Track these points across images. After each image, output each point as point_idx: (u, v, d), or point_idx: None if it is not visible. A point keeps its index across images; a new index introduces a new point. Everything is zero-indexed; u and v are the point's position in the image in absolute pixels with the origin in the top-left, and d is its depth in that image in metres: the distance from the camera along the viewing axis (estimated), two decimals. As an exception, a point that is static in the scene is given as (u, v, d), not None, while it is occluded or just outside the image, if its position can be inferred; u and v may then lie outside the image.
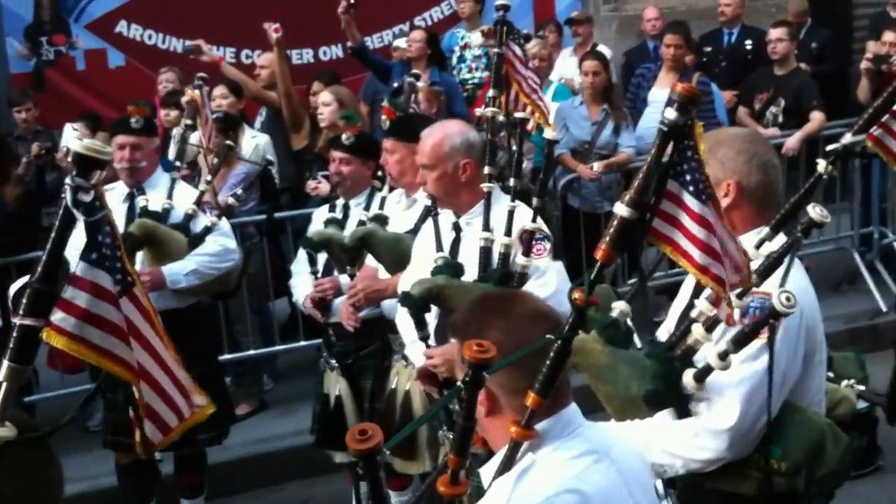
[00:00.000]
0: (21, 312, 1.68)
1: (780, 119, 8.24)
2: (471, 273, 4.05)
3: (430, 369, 4.06)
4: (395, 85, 8.19)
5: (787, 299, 2.51)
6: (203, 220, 5.32)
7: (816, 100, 8.18)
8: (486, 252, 4.03)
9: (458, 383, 2.01)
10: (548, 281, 3.94)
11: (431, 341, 4.13)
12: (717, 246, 2.37)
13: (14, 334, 1.69)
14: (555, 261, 4.07)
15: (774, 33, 8.45)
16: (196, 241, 5.26)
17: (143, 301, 1.89)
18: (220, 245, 5.33)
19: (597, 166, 7.62)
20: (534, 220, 3.98)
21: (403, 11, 10.88)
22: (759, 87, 8.44)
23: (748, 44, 9.36)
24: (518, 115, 4.23)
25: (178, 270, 5.18)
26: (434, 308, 4.06)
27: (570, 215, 7.77)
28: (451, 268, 4.06)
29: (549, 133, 4.12)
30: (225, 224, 5.46)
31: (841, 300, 8.03)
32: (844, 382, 3.30)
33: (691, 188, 2.34)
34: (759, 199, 3.02)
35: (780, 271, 2.80)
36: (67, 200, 1.67)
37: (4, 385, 1.66)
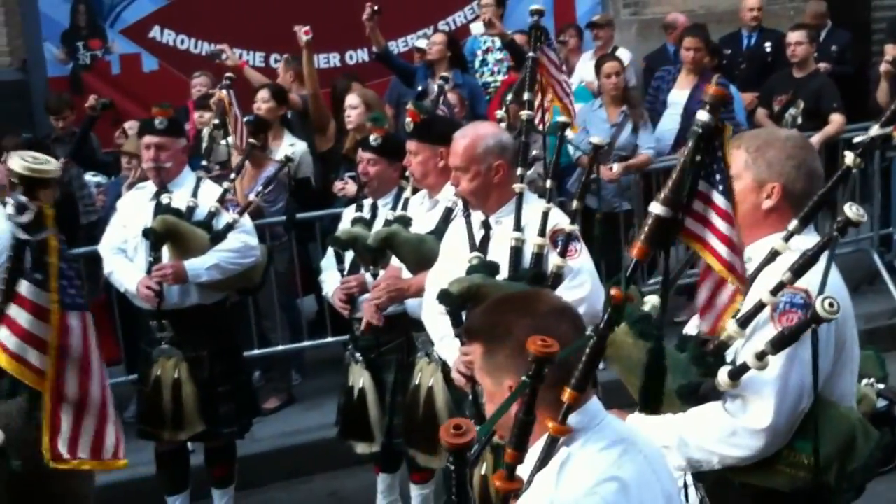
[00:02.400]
0: None
1: (800, 121, 8.17)
2: (501, 272, 4.04)
3: (465, 365, 4.03)
4: (420, 88, 8.21)
5: (831, 305, 2.48)
6: (225, 218, 5.37)
7: (836, 102, 8.11)
8: (516, 252, 4.02)
9: (523, 378, 2.01)
10: (582, 282, 3.93)
11: None
12: (739, 243, 2.38)
13: None
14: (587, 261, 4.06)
15: (794, 36, 8.38)
16: (218, 237, 5.31)
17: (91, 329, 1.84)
18: (241, 242, 5.37)
19: (616, 167, 7.60)
20: (572, 222, 3.98)
21: (427, 15, 10.87)
22: (779, 90, 8.38)
23: (767, 46, 9.30)
24: (560, 118, 4.23)
25: (199, 265, 5.23)
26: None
27: (589, 216, 7.74)
28: (487, 267, 4.04)
29: (594, 138, 4.12)
30: (247, 221, 5.50)
31: (860, 300, 7.94)
32: (864, 381, 3.24)
33: (721, 187, 2.34)
34: (800, 205, 2.97)
35: (816, 270, 2.74)
36: (10, 220, 1.65)
37: None
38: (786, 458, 2.83)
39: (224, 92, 6.04)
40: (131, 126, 7.35)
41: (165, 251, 5.28)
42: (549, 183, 4.11)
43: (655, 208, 2.25)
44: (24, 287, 1.66)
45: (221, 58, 8.11)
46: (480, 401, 4.14)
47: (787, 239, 2.89)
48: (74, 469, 1.77)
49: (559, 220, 4.02)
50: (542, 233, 3.99)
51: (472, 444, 1.87)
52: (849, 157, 3.04)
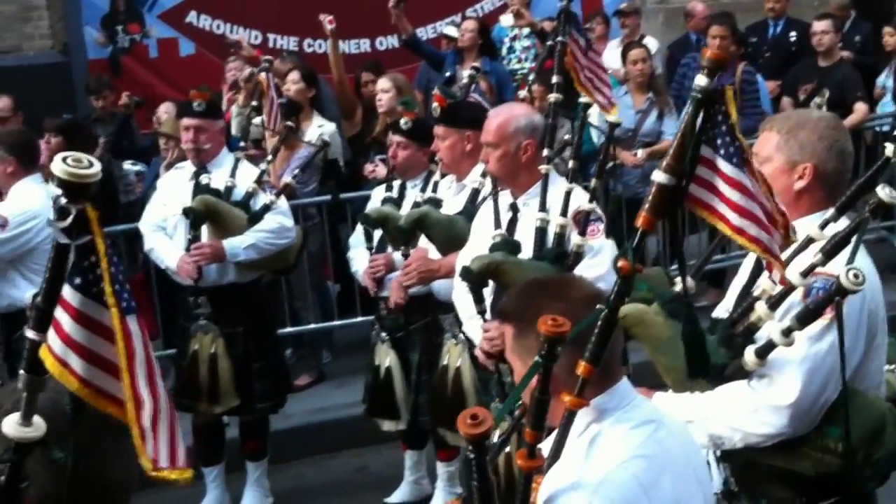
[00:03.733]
0: (29, 326, 1.69)
1: (824, 110, 8.11)
2: (526, 252, 4.06)
3: (487, 343, 4.07)
4: (448, 74, 8.20)
5: (856, 276, 2.48)
6: (262, 199, 5.42)
7: (860, 91, 8.06)
8: (541, 232, 4.04)
9: (536, 359, 2.01)
10: (601, 260, 3.93)
11: (488, 315, 4.14)
12: (755, 210, 2.34)
13: (26, 346, 1.70)
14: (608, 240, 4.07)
15: (819, 25, 8.33)
16: (255, 218, 5.36)
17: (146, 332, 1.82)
18: (277, 223, 5.41)
19: (640, 153, 7.59)
20: (590, 201, 3.99)
21: (456, 2, 10.85)
22: (803, 79, 8.32)
23: (792, 36, 9.22)
24: (582, 100, 4.23)
25: (237, 244, 5.29)
26: (491, 283, 4.07)
27: (616, 200, 7.73)
28: (509, 245, 4.08)
29: (610, 116, 4.15)
30: (283, 203, 5.54)
31: (883, 289, 7.88)
32: (886, 367, 3.27)
33: (722, 152, 2.31)
34: (832, 185, 2.96)
35: (847, 251, 2.74)
36: (50, 225, 1.64)
37: (25, 394, 1.67)
38: (813, 443, 2.82)
39: (263, 75, 6.07)
40: (166, 110, 7.37)
41: (204, 230, 5.33)
42: (571, 164, 4.12)
43: (657, 176, 2.22)
44: (66, 291, 1.65)
45: (238, 49, 8.09)
46: (505, 379, 4.19)
47: (823, 227, 2.87)
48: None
49: (582, 200, 4.03)
50: (564, 213, 4.01)
51: (490, 433, 1.85)
52: (889, 149, 3.01)
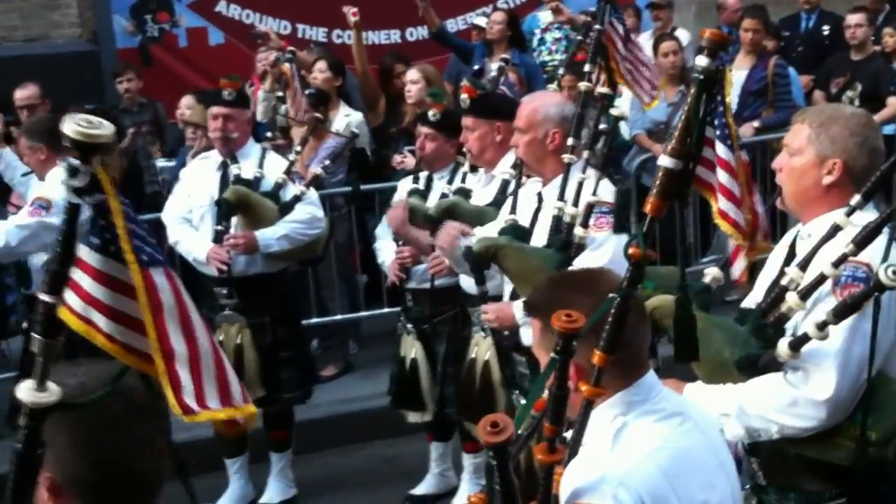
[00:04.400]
0: (42, 290, 1.67)
1: (857, 104, 8.01)
2: (543, 240, 4.06)
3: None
4: (476, 67, 8.14)
5: (894, 272, 2.44)
6: (292, 189, 5.39)
7: (893, 85, 7.97)
8: (557, 220, 4.05)
9: (551, 354, 1.99)
10: (603, 253, 3.91)
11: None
12: (737, 192, 2.31)
13: (39, 310, 1.68)
14: (618, 234, 4.01)
15: (853, 19, 8.25)
16: (286, 208, 5.33)
17: (180, 283, 1.80)
18: (308, 213, 5.38)
19: (671, 146, 7.50)
20: (594, 193, 3.97)
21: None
22: (836, 72, 8.24)
23: (825, 29, 9.14)
24: (600, 90, 4.20)
25: (269, 235, 5.25)
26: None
27: (645, 194, 7.65)
28: (517, 230, 4.13)
29: (615, 110, 4.14)
30: (313, 193, 5.51)
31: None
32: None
33: (718, 133, 2.28)
34: (862, 181, 2.90)
35: (878, 245, 2.69)
36: (63, 184, 1.62)
37: (41, 359, 1.65)
38: (846, 432, 2.79)
39: (287, 65, 6.03)
40: (188, 105, 7.33)
41: (234, 221, 5.30)
42: (585, 153, 4.11)
43: (663, 161, 2.18)
44: (83, 251, 1.63)
45: (265, 40, 8.06)
46: (518, 370, 4.21)
47: (849, 214, 2.83)
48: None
49: (597, 191, 4.00)
50: (576, 202, 4.00)
51: (511, 440, 1.83)
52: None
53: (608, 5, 4.23)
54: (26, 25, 10.22)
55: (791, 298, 2.73)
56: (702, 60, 2.19)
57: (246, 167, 5.35)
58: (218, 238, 5.28)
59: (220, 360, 1.80)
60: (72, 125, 1.59)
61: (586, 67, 4.24)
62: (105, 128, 1.62)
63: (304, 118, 6.17)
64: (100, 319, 1.67)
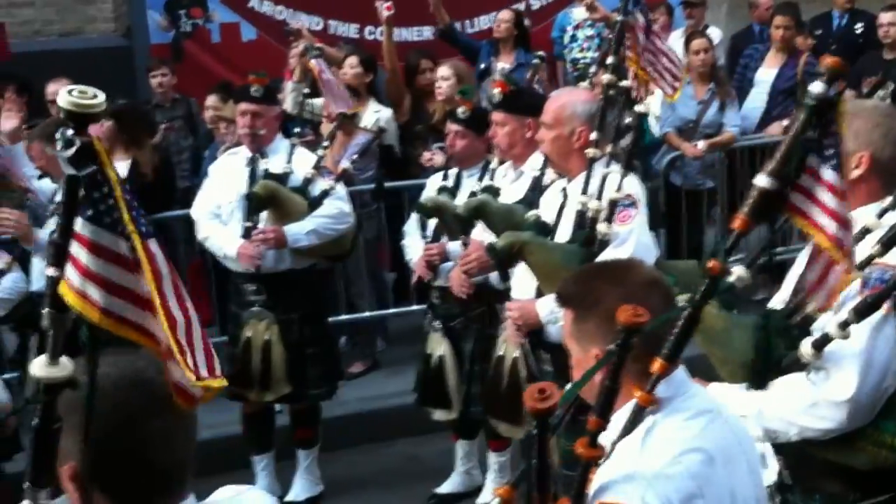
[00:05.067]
0: (48, 263, 1.68)
1: (889, 103, 7.91)
2: (567, 236, 4.06)
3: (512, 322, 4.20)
4: (483, 66, 8.12)
5: None
6: (321, 185, 5.39)
7: (926, 84, 7.85)
8: (580, 215, 4.03)
9: (610, 347, 1.97)
10: (626, 248, 3.89)
11: (515, 293, 4.24)
12: (844, 214, 2.29)
13: (46, 284, 1.70)
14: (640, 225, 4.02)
15: (886, 17, 8.13)
16: (314, 203, 5.33)
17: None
18: (337, 208, 5.38)
19: (701, 145, 7.45)
20: (618, 189, 3.95)
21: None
22: (868, 71, 8.10)
23: (858, 27, 9.03)
24: (624, 83, 4.16)
25: (298, 230, 5.25)
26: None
27: (673, 193, 7.64)
28: (540, 226, 4.13)
29: (639, 107, 4.11)
30: (341, 188, 5.51)
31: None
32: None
33: (833, 162, 2.26)
34: (890, 173, 2.87)
35: None
36: (58, 155, 1.63)
37: (51, 332, 1.67)
38: (870, 437, 2.74)
39: (314, 62, 6.01)
40: (213, 104, 7.33)
41: (263, 216, 5.31)
42: (608, 148, 4.09)
43: (760, 181, 2.17)
44: (79, 225, 1.64)
45: (298, 37, 8.05)
46: (542, 367, 4.19)
47: (880, 216, 2.80)
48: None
49: (623, 185, 3.99)
50: (600, 197, 3.98)
51: (555, 408, 1.81)
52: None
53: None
54: (62, 20, 10.28)
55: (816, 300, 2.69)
56: (817, 87, 2.19)
57: (275, 163, 5.35)
58: (247, 234, 5.29)
59: (203, 333, 1.80)
60: (66, 96, 1.60)
61: (609, 59, 4.21)
62: (98, 98, 1.62)
63: (334, 116, 6.15)
64: (95, 292, 1.67)
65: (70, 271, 1.66)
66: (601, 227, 3.93)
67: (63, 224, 1.65)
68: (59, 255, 1.66)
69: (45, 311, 1.66)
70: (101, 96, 1.62)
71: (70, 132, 1.61)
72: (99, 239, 1.65)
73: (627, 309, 1.93)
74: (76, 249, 1.66)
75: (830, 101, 2.21)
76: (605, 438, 2.13)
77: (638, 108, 4.12)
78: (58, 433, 1.69)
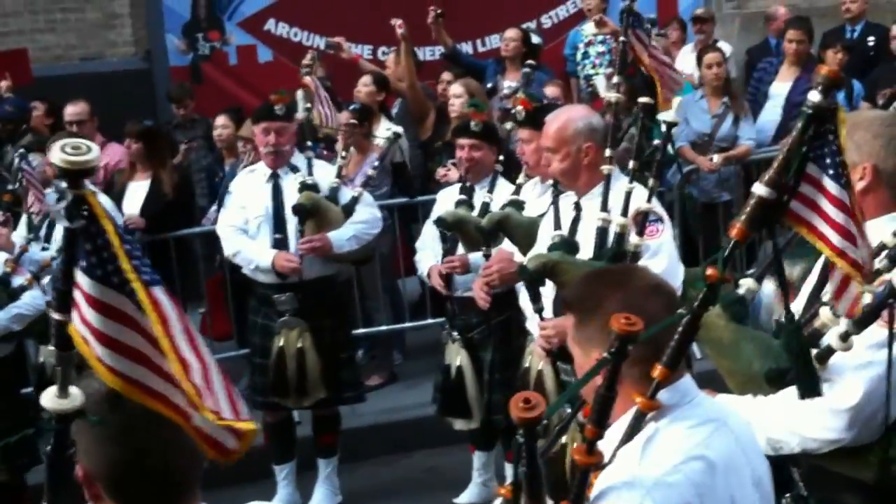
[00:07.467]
0: (53, 308, 1.71)
1: (890, 111, 7.90)
2: (588, 251, 4.05)
3: (545, 340, 4.13)
4: (490, 85, 8.14)
5: None
6: (347, 192, 5.54)
7: (941, 96, 7.83)
8: (602, 232, 4.03)
9: (604, 355, 1.96)
10: (660, 260, 3.89)
11: (547, 313, 4.15)
12: (854, 230, 2.27)
13: (52, 325, 1.73)
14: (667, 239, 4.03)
15: (898, 30, 8.14)
16: (348, 210, 5.48)
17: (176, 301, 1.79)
18: (369, 213, 5.58)
19: (716, 158, 7.44)
20: (648, 201, 3.93)
21: (531, 9, 10.76)
22: (882, 83, 8.10)
23: (871, 40, 9.03)
24: (642, 100, 4.18)
25: (341, 236, 5.43)
26: (550, 283, 4.05)
27: (687, 198, 7.62)
28: (567, 244, 4.10)
29: (666, 115, 4.04)
30: (367, 195, 5.67)
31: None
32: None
33: (831, 171, 2.24)
34: (894, 183, 2.84)
35: None
36: (51, 209, 1.67)
37: (59, 368, 1.70)
38: (878, 452, 2.71)
39: (308, 79, 6.10)
40: (223, 124, 7.41)
41: (290, 227, 5.43)
42: (631, 164, 4.09)
43: (758, 189, 2.16)
44: (79, 276, 1.65)
45: (338, 50, 8.14)
46: (563, 378, 4.18)
47: None
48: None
49: (643, 200, 3.97)
50: (624, 213, 3.97)
51: (541, 418, 1.81)
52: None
53: (629, 16, 4.23)
54: (83, 44, 10.41)
55: (825, 314, 2.65)
56: (814, 96, 2.18)
57: (297, 177, 5.46)
58: (278, 245, 5.40)
59: (225, 377, 1.80)
60: (58, 153, 1.60)
61: (614, 79, 4.23)
62: (93, 152, 1.62)
63: (336, 126, 6.24)
64: (95, 345, 1.68)
65: (76, 318, 1.68)
66: (633, 241, 3.91)
67: (63, 271, 1.67)
68: (62, 301, 1.68)
69: (52, 349, 1.70)
70: (95, 150, 1.63)
71: (63, 185, 1.62)
72: (93, 291, 1.66)
73: (621, 317, 1.92)
74: (78, 297, 1.68)
75: (828, 110, 2.21)
76: (607, 443, 2.12)
77: (665, 116, 4.03)
78: (71, 459, 1.74)
